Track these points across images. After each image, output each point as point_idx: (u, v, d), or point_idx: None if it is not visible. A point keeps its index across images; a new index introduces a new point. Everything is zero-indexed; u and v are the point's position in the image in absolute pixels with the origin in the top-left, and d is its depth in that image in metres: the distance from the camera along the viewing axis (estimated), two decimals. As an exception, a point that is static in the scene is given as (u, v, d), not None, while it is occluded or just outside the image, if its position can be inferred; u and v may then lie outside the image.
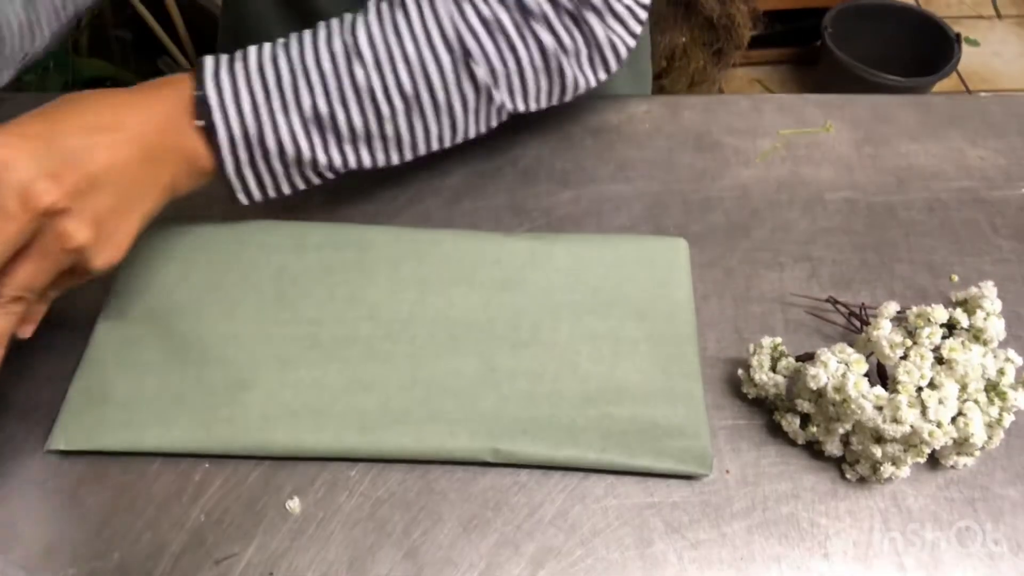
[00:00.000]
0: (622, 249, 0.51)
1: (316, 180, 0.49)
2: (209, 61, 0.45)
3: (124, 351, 0.46)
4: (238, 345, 0.47)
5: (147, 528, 0.41)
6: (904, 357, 0.42)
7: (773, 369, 0.45)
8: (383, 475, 0.44)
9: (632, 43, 0.50)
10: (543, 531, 0.42)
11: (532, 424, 0.44)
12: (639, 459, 0.43)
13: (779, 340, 0.46)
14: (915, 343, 0.43)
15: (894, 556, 0.42)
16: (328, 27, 0.47)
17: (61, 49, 1.21)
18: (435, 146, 0.50)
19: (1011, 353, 0.43)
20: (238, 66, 0.45)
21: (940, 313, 0.43)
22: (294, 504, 0.42)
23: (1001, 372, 0.42)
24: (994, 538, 0.42)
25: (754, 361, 0.45)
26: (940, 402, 0.40)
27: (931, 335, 0.42)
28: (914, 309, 0.43)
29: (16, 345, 0.39)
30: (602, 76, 0.51)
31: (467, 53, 0.46)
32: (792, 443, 0.45)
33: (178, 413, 0.44)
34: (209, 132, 0.44)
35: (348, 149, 0.48)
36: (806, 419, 0.45)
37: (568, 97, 0.51)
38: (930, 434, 0.39)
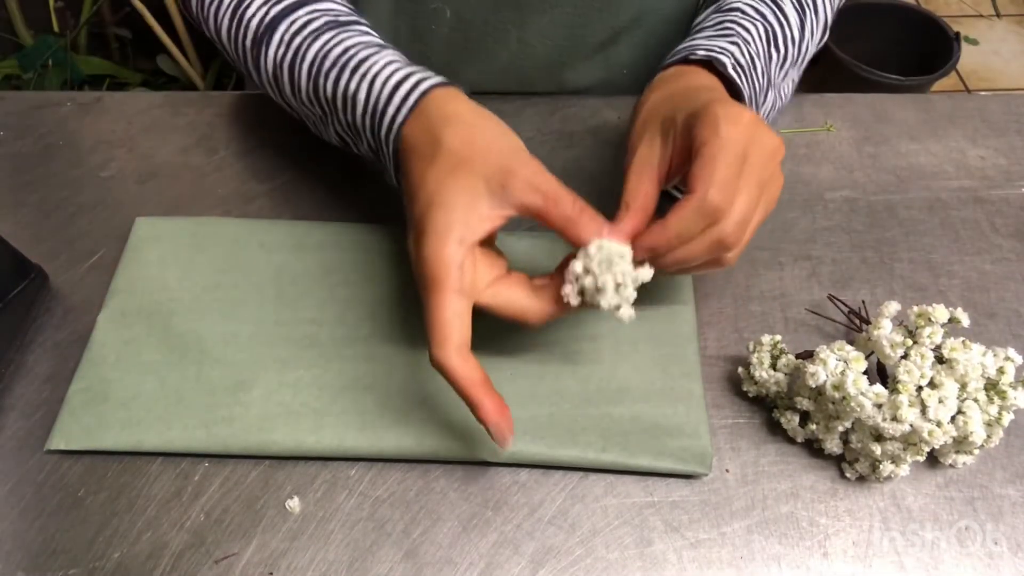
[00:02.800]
0: (622, 248, 0.51)
1: None
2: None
3: (124, 351, 0.46)
4: (238, 345, 0.47)
5: (147, 528, 0.41)
6: (904, 356, 0.42)
7: (773, 367, 0.45)
8: (383, 475, 0.44)
9: None
10: (543, 530, 0.42)
11: (532, 424, 0.44)
12: (639, 458, 0.43)
13: (779, 338, 0.46)
14: (915, 342, 0.43)
15: (894, 555, 0.42)
16: None
17: (60, 47, 1.21)
18: None
19: (1011, 352, 0.43)
20: None
21: (941, 312, 0.43)
22: (294, 504, 0.42)
23: (1001, 371, 0.42)
24: (994, 538, 0.42)
25: (754, 358, 0.45)
26: (940, 401, 0.40)
27: (932, 334, 0.42)
28: (915, 308, 0.43)
29: (16, 345, 0.39)
30: None
31: None
32: (792, 441, 0.45)
33: (178, 413, 0.44)
34: None
35: None
36: (805, 417, 0.45)
37: None
38: (930, 433, 0.39)
